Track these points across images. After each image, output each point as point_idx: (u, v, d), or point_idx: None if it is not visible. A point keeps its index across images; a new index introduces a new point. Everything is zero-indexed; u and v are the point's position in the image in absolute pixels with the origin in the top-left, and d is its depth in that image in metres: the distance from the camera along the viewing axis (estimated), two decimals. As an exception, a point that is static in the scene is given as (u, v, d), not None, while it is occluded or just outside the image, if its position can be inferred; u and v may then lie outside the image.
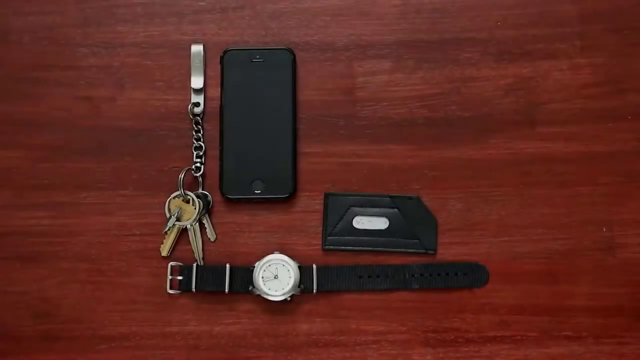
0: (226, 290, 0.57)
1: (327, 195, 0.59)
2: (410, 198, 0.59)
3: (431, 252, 0.59)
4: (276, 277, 0.57)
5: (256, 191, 0.59)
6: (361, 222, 0.59)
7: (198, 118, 0.60)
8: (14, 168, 0.60)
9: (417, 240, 0.59)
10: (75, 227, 0.59)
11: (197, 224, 0.59)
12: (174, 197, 0.59)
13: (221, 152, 0.59)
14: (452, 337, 0.58)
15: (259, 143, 0.59)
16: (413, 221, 0.59)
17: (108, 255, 0.59)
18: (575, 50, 0.61)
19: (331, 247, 0.59)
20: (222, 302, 0.58)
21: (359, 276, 0.58)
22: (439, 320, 0.58)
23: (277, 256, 0.57)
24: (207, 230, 0.59)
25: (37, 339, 0.58)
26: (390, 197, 0.59)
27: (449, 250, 0.59)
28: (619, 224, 0.59)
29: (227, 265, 0.58)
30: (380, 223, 0.59)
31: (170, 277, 0.58)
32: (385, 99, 0.61)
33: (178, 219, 0.58)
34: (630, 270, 0.58)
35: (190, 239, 0.59)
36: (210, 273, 0.58)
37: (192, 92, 0.61)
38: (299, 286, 0.57)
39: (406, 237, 0.59)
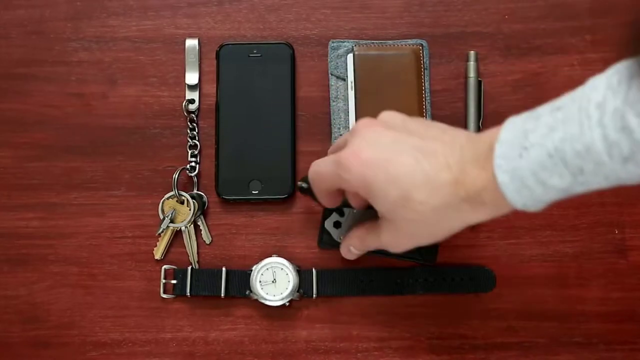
0: (222, 295, 0.56)
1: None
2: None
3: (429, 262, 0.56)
4: (274, 281, 0.56)
5: (253, 192, 0.57)
6: None
7: (193, 115, 0.59)
8: (1, 167, 0.59)
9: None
10: (66, 229, 0.58)
11: (192, 225, 0.58)
12: (167, 198, 0.58)
13: (217, 150, 0.58)
14: (458, 344, 0.57)
15: (256, 141, 0.58)
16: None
17: (99, 258, 0.58)
18: (586, 45, 0.60)
19: (327, 245, 0.56)
20: (218, 307, 0.57)
21: (360, 280, 0.57)
22: (444, 326, 0.57)
23: (275, 259, 0.56)
24: (202, 232, 0.58)
25: (26, 345, 0.57)
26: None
27: (455, 253, 0.58)
28: (631, 225, 0.58)
29: (223, 269, 0.57)
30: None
31: (164, 281, 0.57)
32: (387, 96, 0.59)
33: (172, 221, 0.57)
34: (642, 273, 0.58)
35: (185, 242, 0.58)
36: (205, 277, 0.57)
37: (186, 88, 0.60)
38: (297, 291, 0.56)
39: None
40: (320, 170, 0.48)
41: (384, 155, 0.43)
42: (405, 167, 0.42)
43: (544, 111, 0.39)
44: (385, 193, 0.43)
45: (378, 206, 0.45)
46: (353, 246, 0.53)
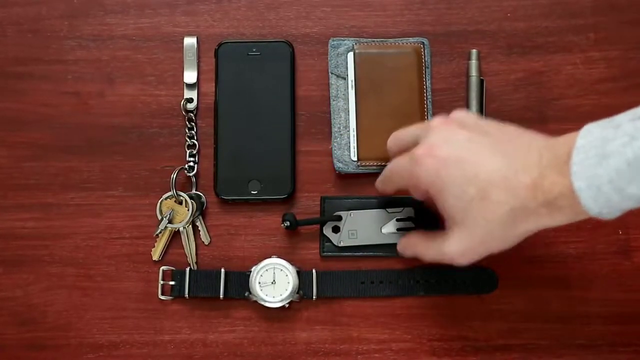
0: (221, 296, 0.56)
1: (323, 200, 0.57)
2: (413, 200, 0.57)
3: None
4: (274, 282, 0.55)
5: (252, 192, 0.57)
6: None
7: (191, 114, 0.59)
8: (-3, 167, 0.59)
9: None
10: (62, 230, 0.58)
11: (190, 226, 0.57)
12: (165, 198, 0.57)
13: (216, 150, 0.58)
14: (460, 346, 0.56)
15: (255, 141, 0.58)
16: (417, 225, 0.56)
17: (96, 259, 0.57)
18: (589, 43, 0.60)
19: (330, 253, 0.56)
20: (216, 308, 0.57)
21: (361, 282, 0.56)
22: (446, 328, 0.56)
23: (274, 260, 0.56)
24: (200, 233, 0.57)
25: (22, 348, 0.56)
26: (393, 199, 0.56)
27: (456, 254, 0.57)
28: (635, 226, 0.57)
29: (222, 270, 0.56)
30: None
31: (162, 282, 0.57)
32: (388, 95, 0.59)
33: (170, 221, 0.57)
34: (646, 275, 0.57)
35: (183, 242, 0.57)
36: (204, 278, 0.56)
37: (185, 87, 0.59)
38: (297, 292, 0.55)
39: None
40: (394, 167, 0.48)
41: (460, 154, 0.43)
42: (482, 167, 0.43)
43: (624, 120, 0.40)
44: (461, 192, 0.43)
45: (449, 206, 0.45)
46: (411, 246, 0.53)
